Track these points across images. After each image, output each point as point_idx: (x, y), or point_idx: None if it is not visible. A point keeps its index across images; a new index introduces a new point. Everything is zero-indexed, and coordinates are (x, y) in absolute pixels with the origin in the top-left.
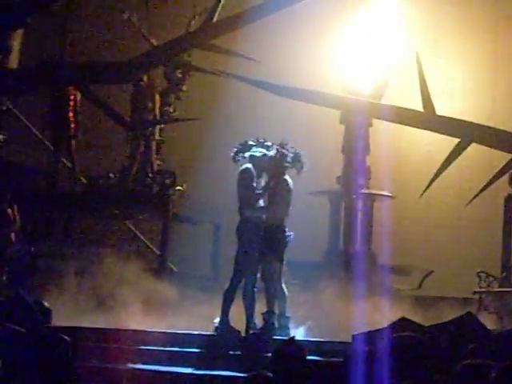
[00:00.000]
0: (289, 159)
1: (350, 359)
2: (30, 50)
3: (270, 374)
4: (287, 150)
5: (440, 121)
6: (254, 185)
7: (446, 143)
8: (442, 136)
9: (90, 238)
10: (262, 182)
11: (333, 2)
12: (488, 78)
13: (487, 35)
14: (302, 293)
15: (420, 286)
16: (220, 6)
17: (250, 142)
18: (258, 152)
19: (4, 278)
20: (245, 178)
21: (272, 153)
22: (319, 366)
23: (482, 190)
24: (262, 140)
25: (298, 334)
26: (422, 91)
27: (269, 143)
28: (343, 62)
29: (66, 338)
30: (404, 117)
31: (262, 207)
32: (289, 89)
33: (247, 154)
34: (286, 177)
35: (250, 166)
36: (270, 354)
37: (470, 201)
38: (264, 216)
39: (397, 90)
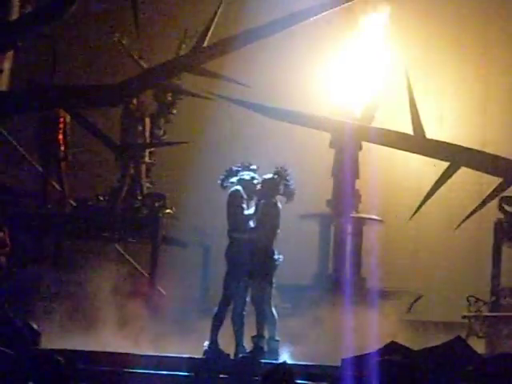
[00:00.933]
0: (283, 187)
1: (338, 383)
2: (21, 71)
3: None
4: (287, 176)
5: (430, 144)
6: (244, 207)
7: (434, 168)
8: (432, 160)
9: (79, 261)
10: (252, 205)
11: (322, 25)
12: (479, 104)
13: (479, 61)
14: (292, 317)
15: (409, 310)
16: (211, 30)
17: (236, 168)
18: (246, 175)
19: None
20: (234, 200)
21: (269, 176)
22: None
23: (471, 213)
24: (247, 164)
25: (287, 357)
26: (411, 113)
27: (254, 167)
28: (333, 85)
29: (59, 359)
30: (394, 140)
31: (251, 229)
32: (279, 111)
33: (235, 179)
34: (275, 199)
35: (239, 188)
36: (259, 378)
37: (459, 224)
38: (253, 238)
39: (387, 113)
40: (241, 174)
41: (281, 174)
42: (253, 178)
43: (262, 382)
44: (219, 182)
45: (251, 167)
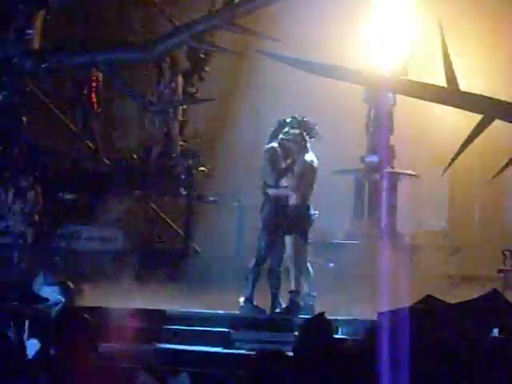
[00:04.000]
0: (307, 131)
1: (374, 337)
2: (53, 32)
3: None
4: (305, 122)
5: (463, 97)
6: (279, 164)
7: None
8: (466, 113)
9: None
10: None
11: None
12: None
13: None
14: (327, 272)
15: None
16: None
17: (287, 120)
18: (284, 133)
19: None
20: (268, 156)
21: (292, 131)
22: (344, 344)
23: (505, 166)
24: (296, 116)
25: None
26: (445, 66)
27: (305, 119)
28: (368, 39)
29: (88, 317)
30: (427, 92)
31: (285, 186)
32: (313, 64)
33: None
34: (311, 155)
35: (275, 145)
36: (295, 333)
37: (493, 177)
38: (287, 195)
39: (421, 67)
40: (283, 130)
41: (299, 123)
42: (287, 134)
43: (301, 333)
44: (269, 133)
45: (302, 119)
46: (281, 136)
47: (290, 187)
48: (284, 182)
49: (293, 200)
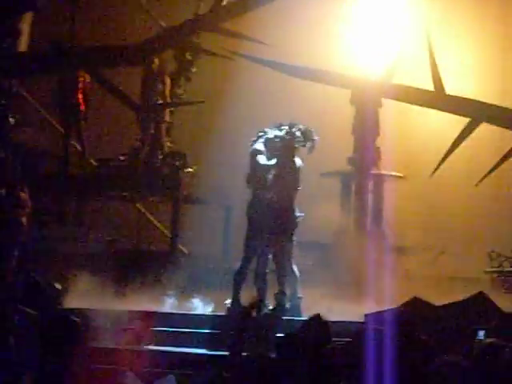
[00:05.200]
0: (299, 139)
1: (361, 338)
2: (40, 33)
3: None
4: (297, 129)
5: (450, 100)
6: (264, 165)
7: (455, 124)
8: (453, 116)
9: (101, 221)
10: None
11: None
12: (498, 58)
13: (498, 16)
14: (313, 274)
15: (431, 265)
16: None
17: (267, 129)
18: (270, 134)
19: (15, 263)
20: (254, 158)
21: (281, 133)
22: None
23: (492, 169)
24: (279, 123)
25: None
26: (432, 70)
27: (286, 127)
28: (354, 43)
29: (76, 319)
30: (414, 96)
31: (270, 187)
32: (300, 68)
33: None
34: (296, 157)
35: (259, 146)
36: (281, 334)
37: (480, 180)
38: (274, 196)
39: (407, 71)
40: (267, 133)
41: (290, 129)
42: (276, 137)
43: (295, 335)
44: (250, 144)
45: (282, 126)
46: (268, 136)
47: (276, 189)
48: (269, 184)
49: (278, 202)
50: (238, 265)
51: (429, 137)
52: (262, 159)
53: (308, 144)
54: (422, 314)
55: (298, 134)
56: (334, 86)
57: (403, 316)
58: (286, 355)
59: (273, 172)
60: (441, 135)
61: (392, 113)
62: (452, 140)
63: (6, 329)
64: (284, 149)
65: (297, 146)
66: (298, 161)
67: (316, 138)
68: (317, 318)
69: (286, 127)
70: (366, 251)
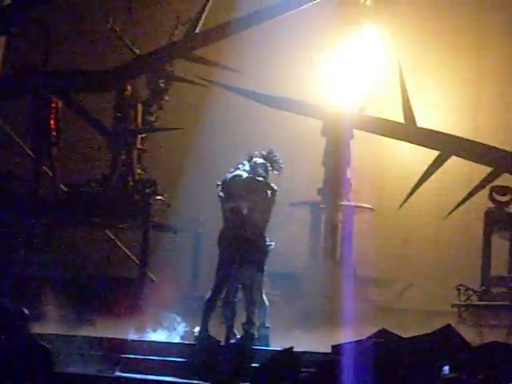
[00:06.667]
0: (260, 174)
1: (328, 369)
2: (13, 58)
3: None
4: (258, 163)
5: (421, 133)
6: (236, 195)
7: (428, 156)
8: (423, 149)
9: (70, 247)
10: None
11: (318, 16)
12: (471, 92)
13: (471, 50)
14: (282, 304)
15: (399, 298)
16: (204, 16)
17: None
18: (229, 176)
19: None
20: (226, 187)
21: (243, 173)
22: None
23: (462, 202)
24: (249, 157)
25: (277, 344)
26: (403, 102)
27: (256, 160)
28: (326, 74)
29: (45, 345)
30: (385, 128)
31: (243, 217)
32: (272, 98)
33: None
34: (269, 187)
35: (233, 176)
36: (249, 365)
37: (450, 213)
38: (244, 225)
39: (379, 103)
40: (238, 169)
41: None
42: (236, 177)
43: (265, 367)
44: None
45: (252, 160)
46: (243, 167)
47: (247, 218)
48: (242, 213)
49: (249, 231)
50: (208, 293)
51: (401, 169)
52: (234, 193)
53: (275, 166)
54: (389, 346)
55: (259, 169)
56: (306, 116)
57: (378, 348)
58: None
59: (244, 205)
60: (413, 167)
61: (363, 145)
62: (422, 172)
63: None
64: (247, 190)
65: (260, 180)
66: (271, 189)
67: (280, 160)
68: (289, 350)
69: (246, 164)
70: (335, 282)
